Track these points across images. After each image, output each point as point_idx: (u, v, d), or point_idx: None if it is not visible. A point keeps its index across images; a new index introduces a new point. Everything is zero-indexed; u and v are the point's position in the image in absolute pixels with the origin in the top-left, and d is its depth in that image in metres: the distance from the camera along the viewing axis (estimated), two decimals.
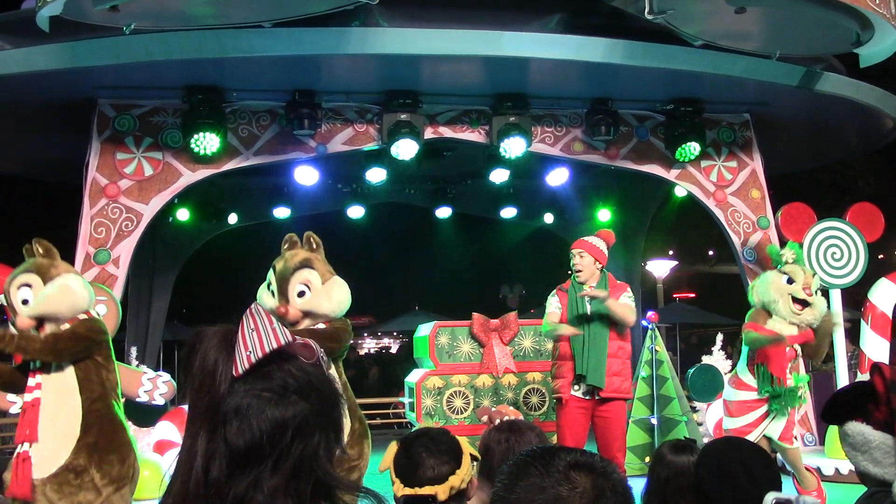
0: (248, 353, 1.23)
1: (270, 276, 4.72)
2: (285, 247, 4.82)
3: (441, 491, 2.15)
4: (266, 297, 4.70)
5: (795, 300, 6.04)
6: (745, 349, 6.15)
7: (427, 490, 2.15)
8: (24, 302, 4.49)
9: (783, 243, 8.04)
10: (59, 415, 4.47)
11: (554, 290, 6.00)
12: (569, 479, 1.27)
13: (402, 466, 2.22)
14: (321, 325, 4.66)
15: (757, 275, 8.67)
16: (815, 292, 6.10)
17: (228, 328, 1.28)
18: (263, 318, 1.27)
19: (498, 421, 2.75)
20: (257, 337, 1.24)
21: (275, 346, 1.24)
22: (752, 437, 5.70)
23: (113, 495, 4.50)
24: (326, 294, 4.65)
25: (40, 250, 4.66)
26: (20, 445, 4.44)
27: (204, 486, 1.21)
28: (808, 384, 6.19)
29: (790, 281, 6.07)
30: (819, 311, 6.09)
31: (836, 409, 2.15)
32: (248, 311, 1.28)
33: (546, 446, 1.38)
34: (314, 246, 4.82)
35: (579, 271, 5.81)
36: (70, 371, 4.52)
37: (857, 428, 2.05)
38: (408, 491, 2.18)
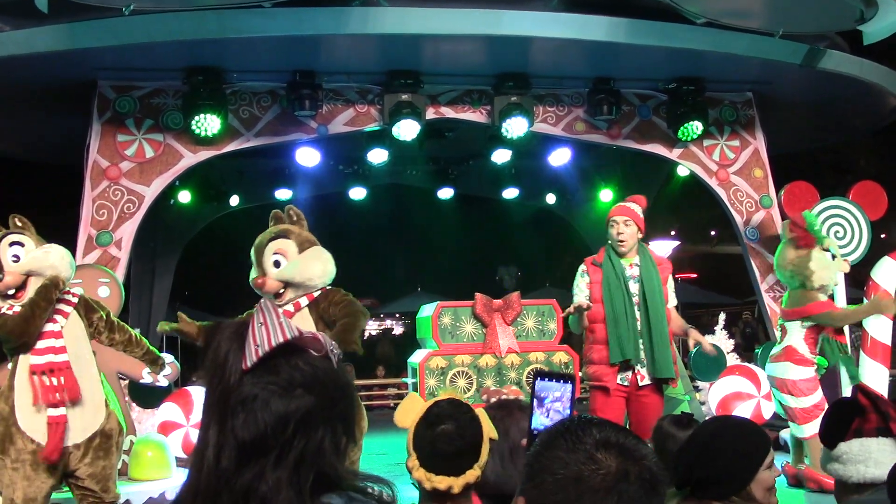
0: (256, 346, 1.27)
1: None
2: (272, 223, 4.92)
3: (456, 485, 2.17)
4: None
5: None
6: (798, 325, 6.21)
7: (443, 480, 2.17)
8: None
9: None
10: (91, 378, 4.45)
11: (581, 267, 5.23)
12: (593, 458, 1.23)
13: (423, 448, 2.22)
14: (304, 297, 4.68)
15: (759, 254, 8.67)
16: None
17: (243, 321, 1.32)
18: (271, 313, 1.31)
19: (493, 400, 2.78)
20: (265, 331, 1.29)
21: (280, 340, 1.28)
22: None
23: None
24: (303, 262, 4.67)
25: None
26: (52, 408, 4.25)
27: (215, 476, 1.25)
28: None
29: (834, 256, 6.22)
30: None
31: (830, 435, 2.34)
32: (258, 305, 1.33)
33: (584, 418, 1.31)
34: (294, 218, 4.89)
35: (622, 241, 5.06)
36: (85, 333, 4.50)
37: (853, 444, 2.24)
38: (422, 474, 2.19)
